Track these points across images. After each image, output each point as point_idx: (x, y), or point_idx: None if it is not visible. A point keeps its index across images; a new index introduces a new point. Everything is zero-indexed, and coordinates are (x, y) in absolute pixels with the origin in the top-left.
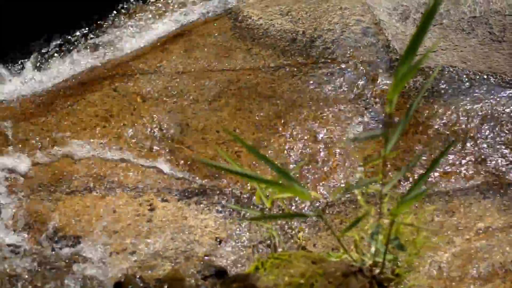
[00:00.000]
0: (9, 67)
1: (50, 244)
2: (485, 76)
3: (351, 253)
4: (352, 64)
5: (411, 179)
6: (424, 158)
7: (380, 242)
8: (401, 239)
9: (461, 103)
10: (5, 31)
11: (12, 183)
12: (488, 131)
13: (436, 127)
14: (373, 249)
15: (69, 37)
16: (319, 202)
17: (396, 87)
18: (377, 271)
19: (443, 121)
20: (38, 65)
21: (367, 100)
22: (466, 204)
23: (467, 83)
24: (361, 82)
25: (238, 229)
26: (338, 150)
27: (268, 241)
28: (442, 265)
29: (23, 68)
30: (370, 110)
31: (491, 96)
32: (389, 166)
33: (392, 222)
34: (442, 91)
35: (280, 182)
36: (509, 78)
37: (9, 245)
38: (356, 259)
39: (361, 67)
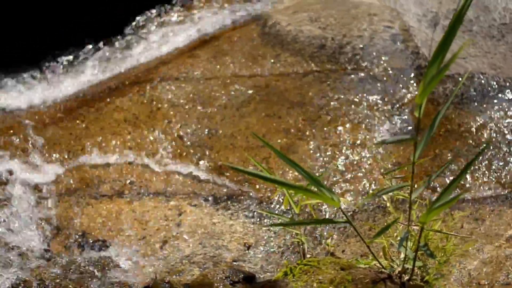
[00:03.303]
0: (39, 72)
1: (78, 248)
2: None
3: (380, 259)
4: (381, 70)
5: (440, 186)
6: (454, 165)
7: (410, 249)
8: (430, 246)
9: (491, 110)
10: (35, 35)
11: (40, 188)
12: None
13: (466, 134)
14: (402, 255)
15: (98, 42)
16: (348, 208)
17: (424, 91)
18: (406, 278)
19: (473, 128)
20: (66, 70)
21: (396, 106)
22: (496, 212)
23: (497, 90)
24: (390, 89)
25: (266, 235)
26: (367, 156)
27: (297, 247)
28: (472, 273)
29: (52, 73)
30: (400, 116)
31: None
32: (419, 172)
33: (422, 229)
34: (472, 98)
35: (309, 188)
36: None
37: (38, 250)
38: (385, 266)
39: (390, 74)
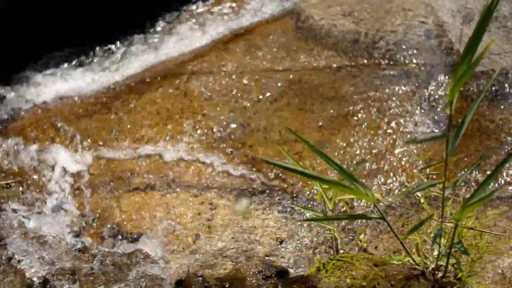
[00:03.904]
0: (71, 65)
1: (111, 241)
2: None
3: (413, 256)
4: (414, 66)
5: (474, 183)
6: (488, 161)
7: (443, 245)
8: (463, 243)
9: None
10: (66, 26)
11: (74, 180)
12: None
13: (501, 130)
14: (435, 252)
15: (131, 35)
16: (381, 204)
17: (455, 86)
18: (439, 275)
19: (507, 125)
20: (98, 62)
21: (430, 102)
22: None
23: None
24: (423, 84)
25: (299, 230)
26: (400, 152)
27: (330, 243)
28: (505, 271)
29: (84, 65)
30: (433, 112)
31: None
32: (453, 169)
33: (456, 226)
34: (507, 94)
35: (343, 183)
36: None
37: (71, 242)
38: (418, 263)
39: (424, 69)
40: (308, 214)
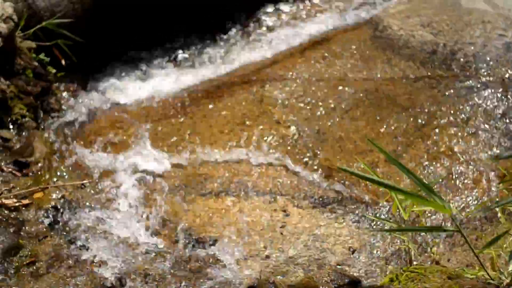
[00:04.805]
0: (148, 68)
1: (184, 244)
2: None
3: (488, 270)
4: (493, 79)
5: None
6: None
7: None
8: None
9: None
10: (145, 32)
11: (148, 183)
12: None
13: None
14: (511, 267)
15: (207, 40)
16: (456, 217)
17: None
18: None
19: None
20: (175, 67)
21: (509, 117)
22: None
23: None
24: (502, 98)
25: (371, 240)
26: (476, 166)
27: (402, 253)
28: None
29: (161, 69)
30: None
31: None
32: None
33: None
34: None
35: (420, 194)
36: None
37: (144, 244)
38: (493, 277)
39: (503, 82)
40: (381, 224)
